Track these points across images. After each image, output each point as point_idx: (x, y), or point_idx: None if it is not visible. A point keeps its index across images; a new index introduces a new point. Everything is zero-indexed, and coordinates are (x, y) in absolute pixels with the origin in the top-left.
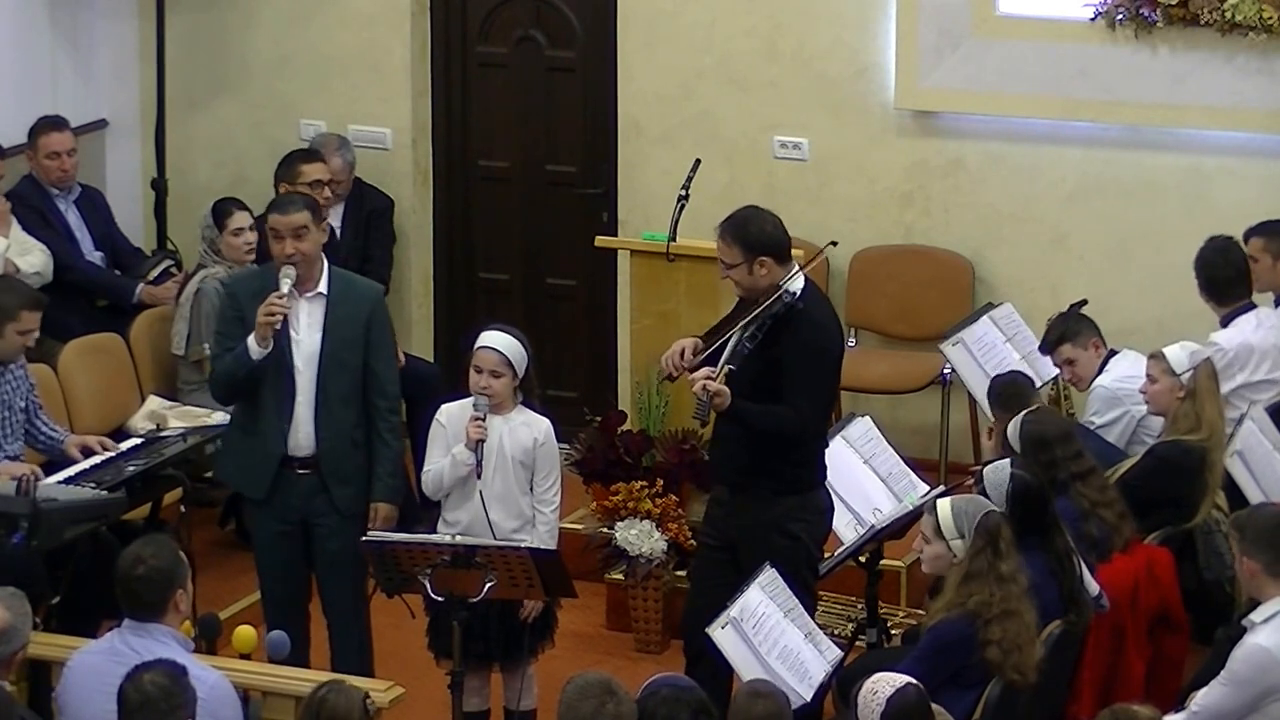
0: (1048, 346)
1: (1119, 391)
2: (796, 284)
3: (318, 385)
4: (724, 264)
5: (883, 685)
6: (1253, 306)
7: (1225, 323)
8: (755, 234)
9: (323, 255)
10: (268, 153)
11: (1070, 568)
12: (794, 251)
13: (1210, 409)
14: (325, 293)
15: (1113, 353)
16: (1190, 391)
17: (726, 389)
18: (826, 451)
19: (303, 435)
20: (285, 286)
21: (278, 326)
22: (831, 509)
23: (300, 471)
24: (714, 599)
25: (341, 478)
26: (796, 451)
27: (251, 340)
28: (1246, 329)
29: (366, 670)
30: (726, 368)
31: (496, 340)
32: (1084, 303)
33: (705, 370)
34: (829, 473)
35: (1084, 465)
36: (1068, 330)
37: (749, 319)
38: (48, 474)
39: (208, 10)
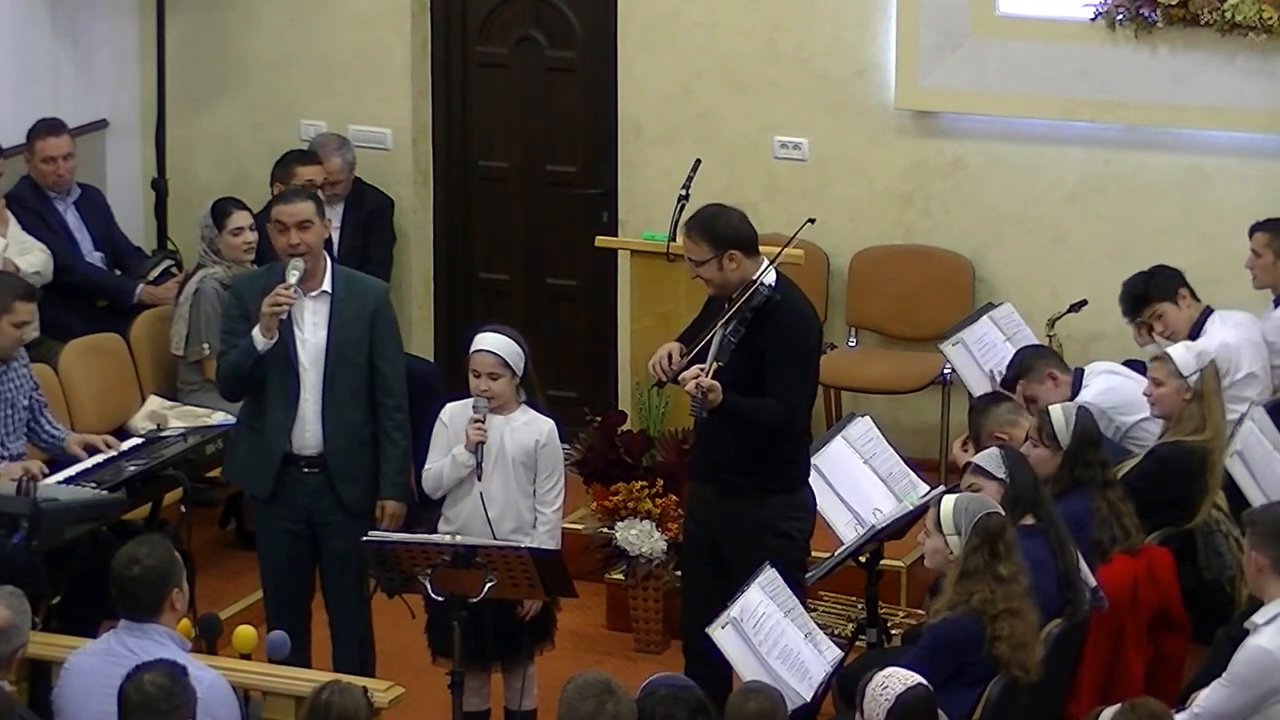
0: (1007, 385)
1: (1103, 405)
2: (769, 277)
3: (324, 383)
4: (693, 261)
5: (894, 681)
6: (1211, 310)
7: (1195, 333)
8: (722, 228)
9: (326, 254)
10: (268, 153)
11: (1068, 553)
12: (765, 247)
13: (1216, 410)
14: (330, 291)
15: (1079, 371)
16: (1197, 393)
17: (718, 385)
18: (827, 451)
19: (309, 434)
20: (293, 278)
21: (284, 317)
22: (816, 506)
23: (307, 470)
24: (705, 598)
25: (349, 476)
26: (787, 447)
27: (257, 332)
28: (1218, 330)
29: (368, 669)
30: (716, 364)
31: (490, 342)
32: (1084, 303)
33: (696, 368)
34: (829, 473)
35: (1111, 474)
36: (1020, 368)
37: (730, 314)
38: (52, 473)
39: (208, 10)
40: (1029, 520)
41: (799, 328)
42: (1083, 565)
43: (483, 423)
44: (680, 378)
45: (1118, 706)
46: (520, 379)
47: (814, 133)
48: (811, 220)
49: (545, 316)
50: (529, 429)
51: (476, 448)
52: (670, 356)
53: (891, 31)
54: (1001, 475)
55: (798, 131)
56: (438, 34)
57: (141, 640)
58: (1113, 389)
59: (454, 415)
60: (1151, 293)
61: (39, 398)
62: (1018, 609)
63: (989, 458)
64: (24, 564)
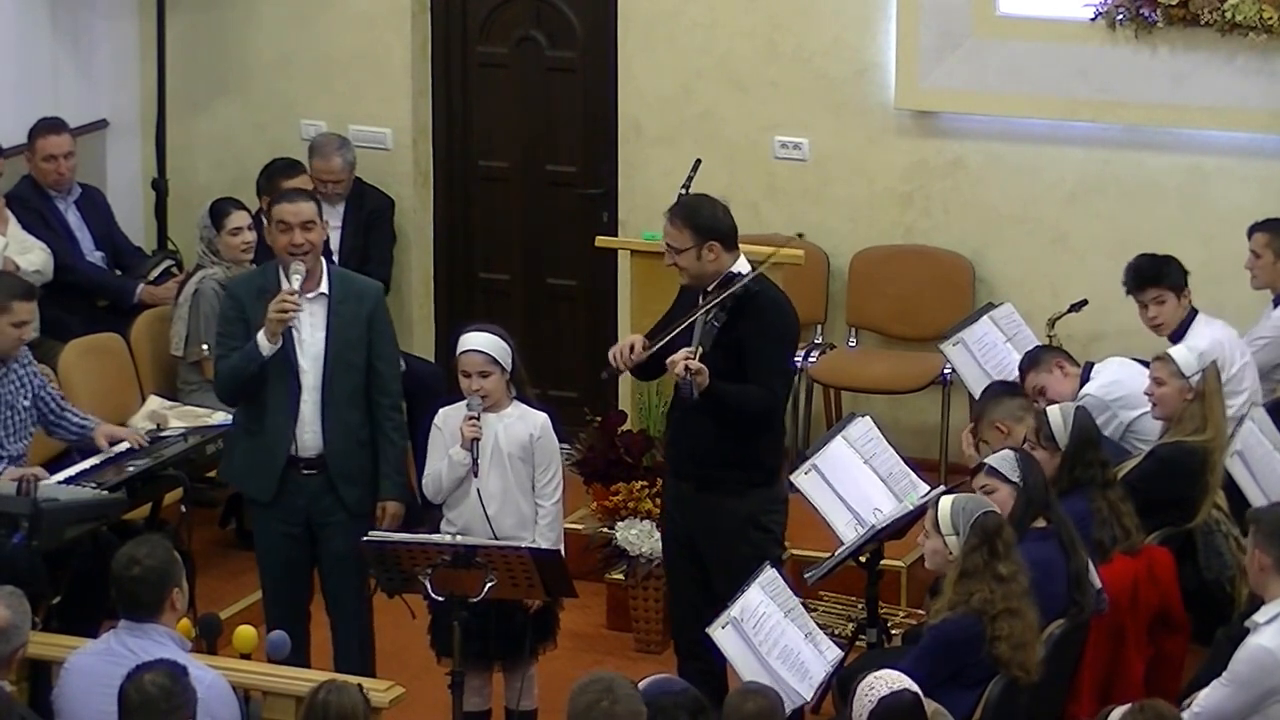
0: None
1: (1106, 397)
2: (745, 268)
3: (323, 385)
4: (673, 249)
5: (880, 684)
6: (1196, 312)
7: (1180, 333)
8: (706, 219)
9: (323, 256)
10: (268, 153)
11: (1079, 554)
12: (758, 248)
13: (1217, 410)
14: (327, 293)
15: (1089, 364)
16: (1199, 393)
17: (705, 368)
18: (827, 451)
19: (309, 436)
20: (296, 283)
21: (290, 322)
22: (789, 498)
23: (307, 473)
24: (692, 597)
25: (349, 477)
26: (766, 438)
27: (261, 336)
28: (1206, 329)
29: (368, 669)
30: (700, 348)
31: (477, 341)
32: (1084, 303)
33: (684, 351)
34: (829, 473)
35: (1110, 474)
36: (1028, 360)
37: (711, 302)
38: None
39: (208, 10)
40: (1041, 523)
41: (778, 317)
42: (1090, 564)
43: (477, 419)
44: (669, 361)
45: (1127, 707)
46: (509, 375)
47: (814, 133)
48: (800, 235)
49: (545, 316)
50: (523, 423)
51: (471, 444)
52: (632, 348)
53: (891, 31)
54: (1015, 479)
55: (798, 131)
56: (438, 34)
57: (142, 640)
58: (1117, 382)
59: (447, 417)
60: (1163, 278)
61: (53, 390)
62: (1017, 609)
63: (1003, 460)
64: (24, 564)
